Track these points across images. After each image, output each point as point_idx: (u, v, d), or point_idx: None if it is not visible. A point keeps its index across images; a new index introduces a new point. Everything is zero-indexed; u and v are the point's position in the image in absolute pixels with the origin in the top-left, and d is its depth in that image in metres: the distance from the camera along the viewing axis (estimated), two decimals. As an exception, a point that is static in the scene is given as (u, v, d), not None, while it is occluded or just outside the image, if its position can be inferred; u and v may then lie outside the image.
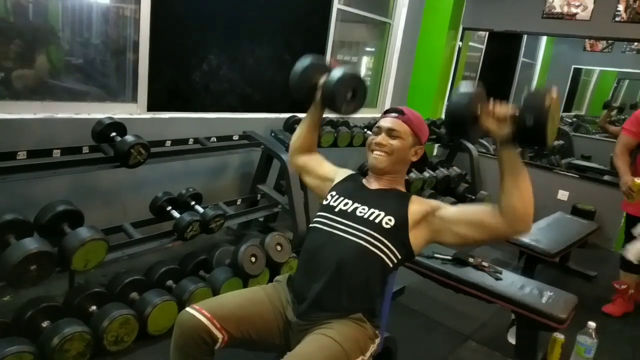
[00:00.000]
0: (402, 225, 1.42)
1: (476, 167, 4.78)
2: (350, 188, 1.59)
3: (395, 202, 1.48)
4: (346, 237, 1.43)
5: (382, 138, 1.53)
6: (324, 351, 1.29)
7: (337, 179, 1.66)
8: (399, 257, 1.44)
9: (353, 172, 1.70)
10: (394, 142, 1.51)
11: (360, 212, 1.47)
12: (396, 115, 1.54)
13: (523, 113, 1.20)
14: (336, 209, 1.51)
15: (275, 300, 1.49)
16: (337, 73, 1.58)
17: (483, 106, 1.27)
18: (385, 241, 1.41)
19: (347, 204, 1.51)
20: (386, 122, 1.54)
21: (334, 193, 1.59)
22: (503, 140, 1.24)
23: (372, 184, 1.58)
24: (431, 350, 2.40)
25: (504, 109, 1.24)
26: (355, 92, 1.62)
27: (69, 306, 2.08)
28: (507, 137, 1.23)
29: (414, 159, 1.56)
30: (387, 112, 1.58)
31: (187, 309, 1.37)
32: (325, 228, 1.48)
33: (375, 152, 1.54)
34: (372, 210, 1.46)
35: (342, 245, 1.42)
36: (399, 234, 1.42)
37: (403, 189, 1.58)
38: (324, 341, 1.32)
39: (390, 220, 1.43)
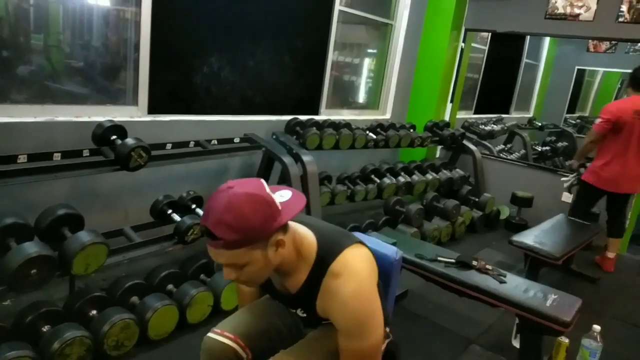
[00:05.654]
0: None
1: (479, 168, 4.75)
2: (268, 288, 1.38)
3: (308, 304, 1.24)
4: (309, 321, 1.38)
5: (227, 274, 1.13)
6: (317, 352, 1.30)
7: None
8: None
9: None
10: (241, 273, 1.11)
11: (302, 314, 1.33)
12: (211, 242, 1.07)
13: None
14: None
15: None
16: None
17: None
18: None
19: (285, 305, 1.40)
20: (212, 255, 1.10)
21: (267, 295, 1.48)
22: None
23: (277, 281, 1.31)
24: (435, 354, 2.38)
25: None
26: None
27: (70, 310, 2.07)
28: None
29: (283, 251, 1.13)
30: (204, 230, 1.08)
31: (209, 334, 1.38)
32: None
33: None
34: (307, 314, 1.32)
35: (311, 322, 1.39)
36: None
37: (303, 264, 1.20)
38: (321, 342, 1.33)
39: (328, 320, 1.26)
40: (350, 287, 1.13)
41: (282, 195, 1.15)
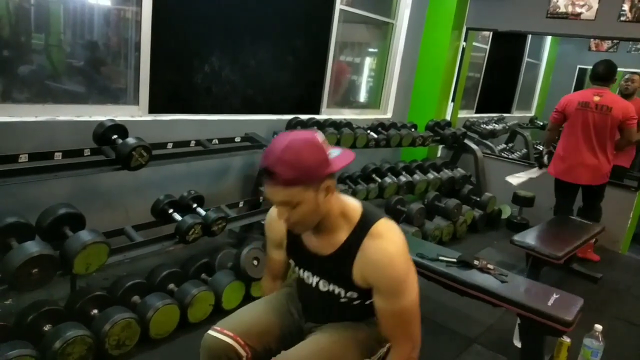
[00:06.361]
0: (360, 290, 1.31)
1: (481, 168, 4.74)
2: (297, 252, 1.40)
3: (342, 268, 1.29)
4: (324, 301, 1.38)
5: (279, 214, 1.22)
6: (319, 355, 1.30)
7: (283, 243, 1.46)
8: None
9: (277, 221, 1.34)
10: (293, 213, 1.19)
11: (323, 288, 1.37)
12: (269, 181, 1.16)
13: None
14: (305, 281, 1.42)
15: (295, 304, 1.51)
16: None
17: None
18: (356, 303, 1.35)
19: (308, 276, 1.40)
20: (269, 194, 1.19)
21: (292, 263, 1.47)
22: None
23: (312, 240, 1.34)
24: (436, 354, 2.37)
25: None
26: None
27: (71, 310, 2.07)
28: None
29: (331, 198, 1.23)
30: (263, 170, 1.18)
31: (210, 332, 1.39)
32: (307, 283, 1.42)
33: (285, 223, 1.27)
34: (330, 286, 1.35)
35: (324, 304, 1.40)
36: (362, 295, 1.33)
37: (345, 223, 1.28)
38: (321, 345, 1.33)
39: (352, 294, 1.33)
40: (394, 246, 1.23)
41: (333, 152, 1.23)
